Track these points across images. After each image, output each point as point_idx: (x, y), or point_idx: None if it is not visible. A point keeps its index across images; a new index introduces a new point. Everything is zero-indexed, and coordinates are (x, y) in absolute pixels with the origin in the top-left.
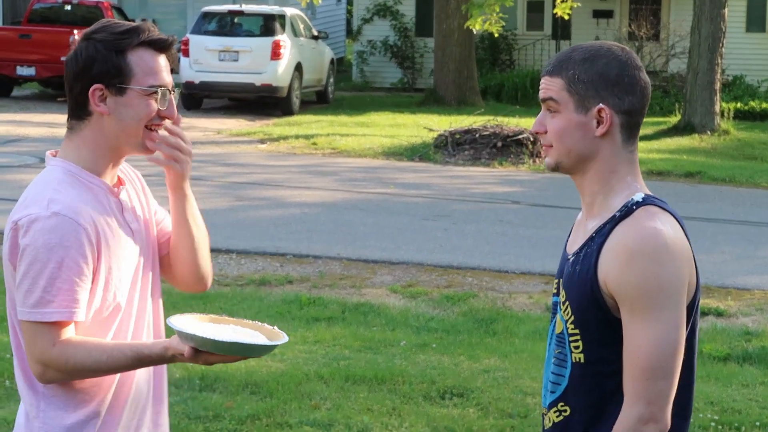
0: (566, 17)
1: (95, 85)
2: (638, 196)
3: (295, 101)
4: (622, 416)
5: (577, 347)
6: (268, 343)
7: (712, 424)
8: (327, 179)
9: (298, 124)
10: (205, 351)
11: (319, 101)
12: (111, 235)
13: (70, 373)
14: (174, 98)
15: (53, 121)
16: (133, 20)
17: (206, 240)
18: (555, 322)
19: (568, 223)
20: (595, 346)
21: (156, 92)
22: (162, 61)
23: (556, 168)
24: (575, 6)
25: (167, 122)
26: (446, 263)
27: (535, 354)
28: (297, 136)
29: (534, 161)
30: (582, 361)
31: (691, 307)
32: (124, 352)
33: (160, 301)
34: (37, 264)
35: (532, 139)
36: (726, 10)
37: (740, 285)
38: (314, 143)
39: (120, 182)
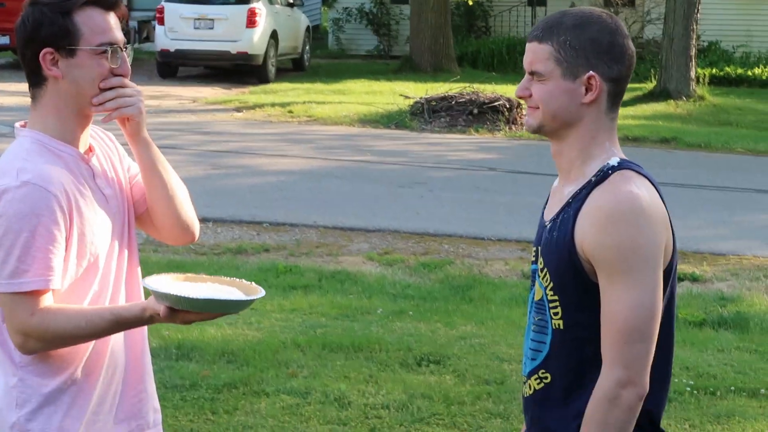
0: None
1: (45, 49)
2: (614, 161)
3: (271, 69)
4: (600, 380)
5: (556, 313)
6: (243, 298)
7: (688, 389)
8: (303, 147)
9: (274, 92)
10: (181, 309)
11: (295, 69)
12: (83, 202)
13: (50, 342)
14: (127, 56)
15: (27, 91)
16: None
17: (182, 187)
18: (534, 289)
19: (544, 190)
20: (574, 311)
21: (106, 51)
22: (111, 18)
23: (537, 130)
24: None
25: (108, 80)
26: (422, 230)
27: (512, 320)
28: (273, 104)
29: (510, 128)
30: (561, 327)
31: (669, 272)
32: (103, 316)
33: (138, 267)
34: (10, 234)
35: (508, 105)
36: None
37: (715, 250)
38: (290, 111)
39: (91, 149)
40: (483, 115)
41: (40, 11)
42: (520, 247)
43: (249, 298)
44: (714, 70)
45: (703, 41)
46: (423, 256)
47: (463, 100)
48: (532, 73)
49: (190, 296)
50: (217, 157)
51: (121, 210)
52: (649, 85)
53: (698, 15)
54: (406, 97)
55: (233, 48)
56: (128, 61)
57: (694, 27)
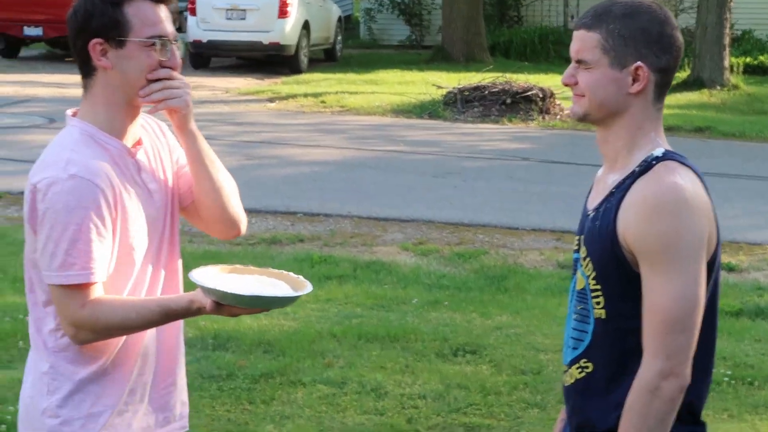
0: None
1: (95, 40)
2: (658, 151)
3: (303, 59)
4: (641, 371)
5: (598, 303)
6: (289, 295)
7: (725, 379)
8: (336, 137)
9: (307, 83)
10: (227, 304)
11: (327, 59)
12: (127, 196)
13: (101, 333)
14: (177, 49)
15: (61, 82)
16: None
17: (230, 181)
18: (576, 278)
19: (578, 180)
20: (616, 301)
21: (155, 43)
22: (162, 11)
23: (583, 118)
24: None
25: (156, 72)
26: (457, 220)
27: (547, 310)
28: (305, 95)
29: (543, 118)
30: (604, 316)
31: (712, 263)
32: (151, 309)
33: (179, 260)
34: (58, 226)
35: (541, 95)
36: None
37: (751, 240)
38: (323, 101)
39: (139, 142)
40: (516, 104)
41: (92, 2)
42: (554, 236)
43: (295, 294)
44: (748, 59)
45: (737, 30)
46: (457, 246)
47: (496, 89)
48: (578, 62)
49: (237, 292)
50: (251, 147)
51: (164, 204)
52: (683, 75)
53: (732, 3)
54: (439, 87)
55: (265, 38)
56: (178, 53)
57: (728, 16)
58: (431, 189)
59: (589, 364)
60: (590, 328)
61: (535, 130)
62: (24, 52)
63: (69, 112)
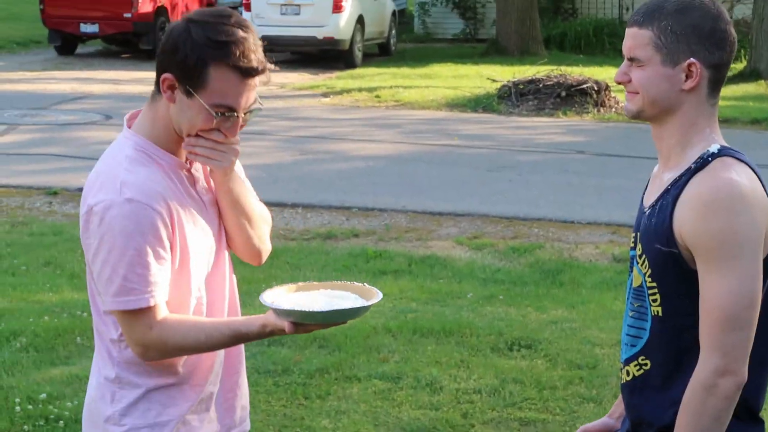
0: None
1: (167, 74)
2: (714, 148)
3: (358, 54)
4: (698, 368)
5: (655, 300)
6: (364, 304)
7: None
8: (391, 132)
9: (361, 77)
10: (305, 323)
11: (381, 54)
12: (183, 213)
13: (170, 353)
14: (245, 120)
15: (117, 78)
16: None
17: (259, 222)
18: (632, 275)
19: (633, 173)
20: (673, 298)
21: (215, 114)
22: (245, 85)
23: (637, 116)
24: None
25: (209, 132)
26: (512, 214)
27: (603, 304)
28: (360, 89)
29: (598, 111)
30: (660, 314)
31: None
32: (222, 331)
33: (232, 267)
34: (115, 252)
35: (596, 88)
36: None
37: None
38: (377, 96)
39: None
40: (571, 97)
41: (185, 40)
42: (610, 230)
43: (368, 303)
44: None
45: None
46: (512, 240)
47: (551, 83)
48: (631, 59)
49: (314, 310)
50: (306, 142)
51: (218, 215)
52: (739, 66)
53: None
54: (493, 81)
55: (320, 33)
56: (239, 126)
57: None
58: (486, 183)
59: (647, 362)
60: (648, 325)
61: (590, 123)
62: (80, 49)
63: (127, 115)
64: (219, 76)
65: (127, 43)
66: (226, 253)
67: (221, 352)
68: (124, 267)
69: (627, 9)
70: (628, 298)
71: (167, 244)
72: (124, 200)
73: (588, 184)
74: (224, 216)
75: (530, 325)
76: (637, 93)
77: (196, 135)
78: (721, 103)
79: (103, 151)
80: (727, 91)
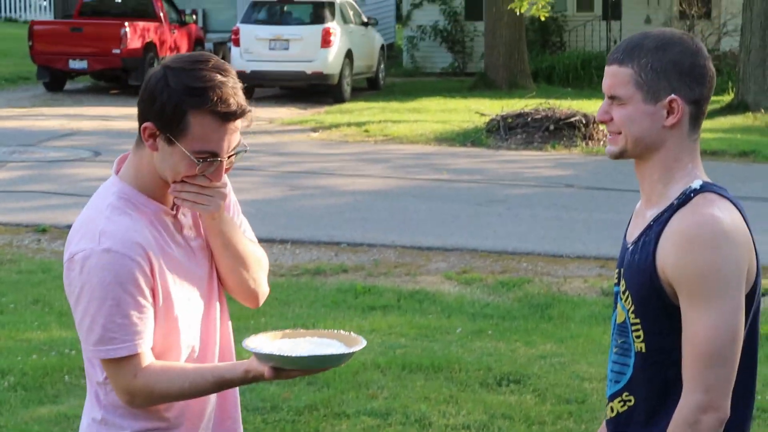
0: None
1: (147, 123)
2: (696, 183)
3: (346, 88)
4: (681, 404)
5: (638, 336)
6: (345, 351)
7: None
8: (380, 166)
9: (350, 112)
10: (286, 368)
11: (370, 88)
12: (167, 261)
13: (156, 400)
14: (227, 164)
15: (106, 114)
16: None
17: (253, 266)
18: (617, 311)
19: (622, 206)
20: (656, 335)
21: (200, 161)
22: (227, 129)
23: (619, 156)
24: None
25: (193, 177)
26: (500, 249)
27: (592, 338)
28: (349, 124)
29: (587, 144)
30: (644, 350)
31: (752, 295)
32: (206, 378)
33: (227, 311)
34: (94, 302)
35: (584, 121)
36: None
37: None
38: (366, 130)
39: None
40: (559, 131)
41: (162, 88)
42: (599, 264)
43: (351, 350)
44: None
45: None
46: (501, 274)
47: (539, 116)
48: (612, 97)
49: (293, 354)
50: (295, 178)
51: (210, 259)
52: (727, 98)
53: None
54: (482, 115)
55: (308, 68)
56: (223, 170)
57: None
58: (475, 217)
59: (631, 398)
60: (631, 361)
61: (578, 157)
62: (69, 85)
63: (117, 159)
64: (198, 122)
65: (116, 79)
66: (217, 299)
67: (212, 398)
68: (103, 317)
69: (615, 41)
70: (612, 334)
71: (147, 292)
72: (102, 250)
73: (576, 218)
74: (216, 259)
75: (519, 360)
76: (619, 133)
77: (182, 181)
78: (709, 135)
79: (92, 189)
80: (714, 123)
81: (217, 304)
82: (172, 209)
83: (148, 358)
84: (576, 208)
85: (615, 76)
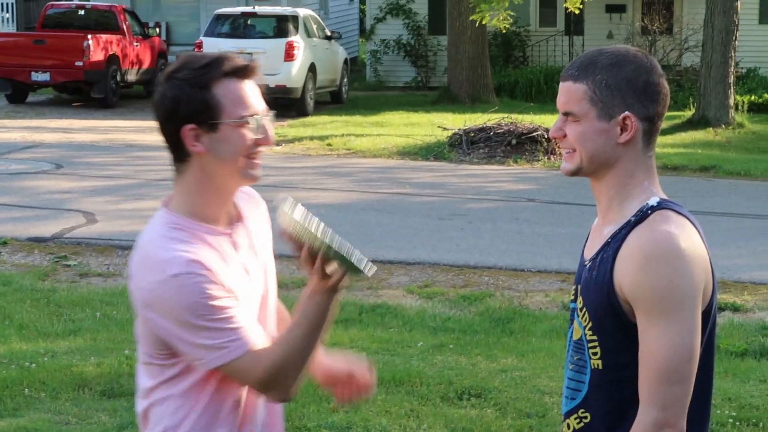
0: (576, 12)
1: (187, 126)
2: (653, 201)
3: (310, 102)
4: (637, 421)
5: (595, 353)
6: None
7: (730, 420)
8: (342, 180)
9: (313, 125)
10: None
11: (333, 101)
12: (226, 277)
13: (288, 372)
14: (269, 122)
15: (69, 127)
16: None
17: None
18: (573, 328)
19: (583, 221)
20: (613, 352)
21: (248, 122)
22: (249, 87)
23: (575, 173)
24: (587, 1)
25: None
26: (462, 263)
27: (553, 353)
28: (312, 137)
29: (549, 158)
30: (600, 367)
31: (708, 313)
32: (300, 328)
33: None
34: (187, 324)
35: (546, 136)
36: (739, 2)
37: (756, 280)
38: (329, 144)
39: (238, 217)
40: (521, 145)
41: (178, 86)
42: (560, 278)
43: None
44: (753, 98)
45: (742, 68)
46: (463, 288)
47: (502, 130)
48: (566, 114)
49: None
50: (257, 191)
51: (262, 282)
52: (688, 113)
53: (736, 42)
54: (445, 129)
55: (272, 81)
56: (271, 128)
57: (732, 54)
58: (437, 231)
59: (587, 414)
60: (587, 378)
61: (540, 171)
62: (31, 97)
63: (163, 201)
64: (224, 90)
65: (79, 92)
66: (272, 320)
67: (260, 408)
68: (203, 330)
69: (577, 56)
70: (568, 351)
71: (224, 292)
72: (170, 276)
73: (538, 232)
74: (292, 316)
75: (480, 374)
76: (574, 150)
77: (254, 158)
78: (670, 150)
79: (54, 201)
80: (676, 138)
81: (269, 325)
82: (228, 228)
83: (261, 344)
84: (537, 222)
85: (569, 92)
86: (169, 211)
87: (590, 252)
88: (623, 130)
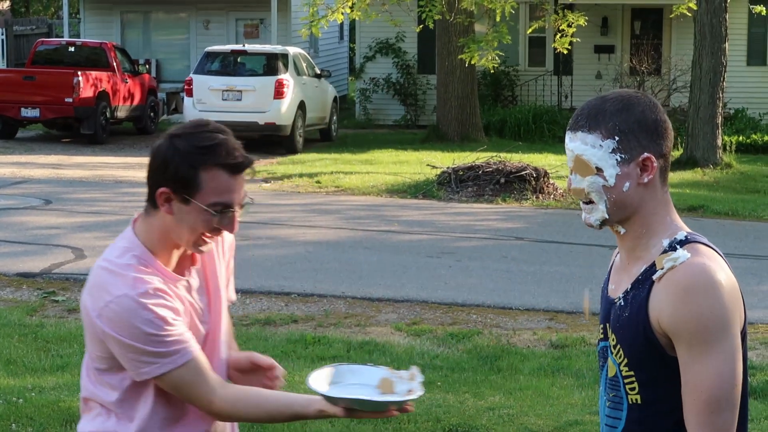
0: (565, 52)
1: (162, 189)
2: (680, 235)
3: (299, 139)
4: None
5: (633, 389)
6: (407, 398)
7: None
8: (331, 217)
9: (302, 163)
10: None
11: (322, 139)
12: (176, 307)
13: (237, 419)
14: (239, 215)
15: (58, 163)
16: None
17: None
18: (606, 366)
19: (571, 260)
20: (651, 385)
21: (216, 213)
22: (236, 181)
23: (603, 225)
24: (575, 41)
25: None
26: (450, 300)
27: (540, 391)
28: (301, 175)
29: (537, 197)
30: (639, 401)
31: (743, 337)
32: (281, 411)
33: (225, 367)
34: (133, 338)
35: (534, 175)
36: (727, 44)
37: None
38: (318, 181)
39: (194, 259)
40: (510, 184)
41: (173, 153)
42: (548, 316)
43: (411, 397)
44: (741, 138)
45: (730, 109)
46: (451, 326)
47: (490, 169)
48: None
49: (373, 399)
50: (246, 228)
51: (214, 320)
52: (676, 153)
53: (724, 83)
54: (433, 167)
55: (261, 119)
56: (237, 221)
57: (720, 95)
58: (425, 269)
59: None
60: (623, 414)
61: (528, 210)
62: (21, 133)
63: (136, 214)
64: (210, 177)
65: (69, 128)
66: (223, 357)
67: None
68: (149, 344)
69: (566, 96)
70: (603, 389)
71: (175, 315)
72: (120, 295)
73: (526, 270)
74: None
75: (468, 412)
76: (593, 203)
77: (208, 239)
78: None
79: (42, 237)
80: None
81: (218, 356)
82: (183, 272)
83: (213, 375)
84: (526, 260)
85: (585, 142)
86: (134, 233)
87: (618, 290)
88: (643, 171)
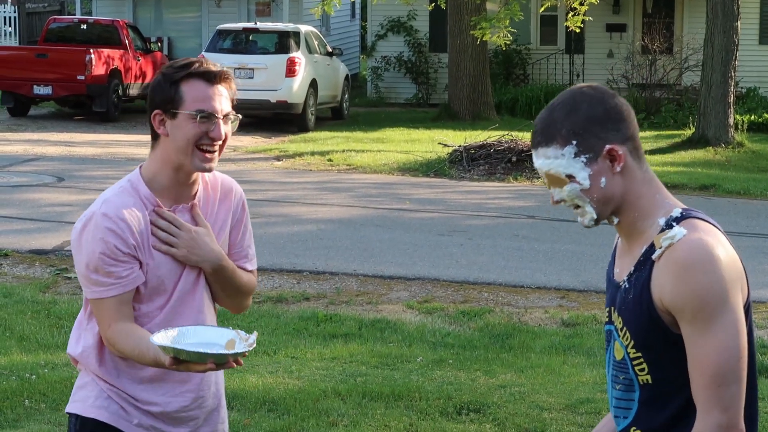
0: (577, 30)
1: (155, 111)
2: (676, 212)
3: (311, 118)
4: (700, 427)
5: (642, 369)
6: (224, 352)
7: None
8: (343, 195)
9: (314, 141)
10: (183, 360)
11: (334, 117)
12: (145, 241)
13: (120, 351)
14: (229, 124)
15: (70, 140)
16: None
17: (241, 295)
18: (613, 348)
19: (583, 238)
20: (660, 365)
21: (199, 116)
22: (214, 90)
23: (597, 223)
24: (587, 19)
25: (160, 210)
26: (462, 278)
27: (551, 368)
28: (312, 153)
29: None
30: (650, 381)
31: (746, 309)
32: (145, 354)
33: (212, 310)
34: (88, 253)
35: None
36: (739, 23)
37: (756, 298)
38: (330, 159)
39: (192, 198)
40: (521, 162)
41: (158, 79)
42: (559, 295)
43: (229, 352)
44: (752, 117)
45: (741, 88)
46: (462, 304)
47: (502, 147)
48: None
49: (192, 350)
50: (258, 205)
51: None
52: (688, 132)
53: (736, 62)
54: (445, 146)
55: (273, 97)
56: (224, 128)
57: (732, 74)
58: (437, 247)
59: (639, 431)
60: (636, 395)
61: (540, 188)
62: (33, 110)
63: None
64: (189, 88)
65: (81, 105)
66: (200, 289)
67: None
68: (93, 265)
69: (578, 75)
70: (609, 371)
71: (129, 251)
72: (101, 213)
73: (538, 248)
74: (212, 286)
75: (479, 389)
76: (578, 206)
77: (205, 150)
78: (670, 169)
79: (55, 214)
80: (676, 157)
81: (200, 291)
82: (168, 209)
83: (123, 312)
84: (537, 239)
85: (547, 156)
86: (140, 170)
87: (623, 273)
88: (613, 161)
